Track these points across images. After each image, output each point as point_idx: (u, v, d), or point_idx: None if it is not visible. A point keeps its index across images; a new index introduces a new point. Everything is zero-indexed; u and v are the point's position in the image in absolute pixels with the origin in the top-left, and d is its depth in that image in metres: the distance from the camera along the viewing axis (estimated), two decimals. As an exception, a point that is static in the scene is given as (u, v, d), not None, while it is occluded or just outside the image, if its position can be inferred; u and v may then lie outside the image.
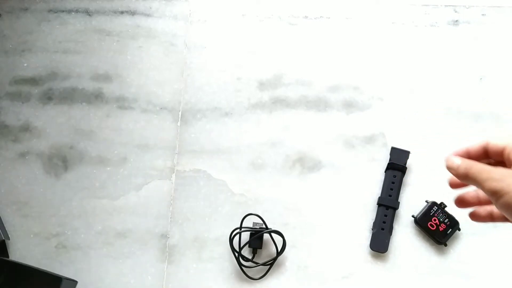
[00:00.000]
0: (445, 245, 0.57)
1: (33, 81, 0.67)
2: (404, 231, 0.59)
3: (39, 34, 0.69)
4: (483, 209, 0.44)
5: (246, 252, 0.60)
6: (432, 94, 0.64)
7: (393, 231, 0.59)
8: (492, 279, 0.57)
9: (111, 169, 0.63)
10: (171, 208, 0.61)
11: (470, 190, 0.46)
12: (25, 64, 0.68)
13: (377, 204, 0.60)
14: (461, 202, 0.46)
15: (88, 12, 0.70)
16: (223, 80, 0.66)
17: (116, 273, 0.59)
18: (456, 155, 0.43)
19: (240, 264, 0.58)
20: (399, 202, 0.59)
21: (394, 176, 0.59)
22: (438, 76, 0.65)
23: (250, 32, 0.68)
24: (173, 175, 0.63)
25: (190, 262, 0.59)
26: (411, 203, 0.60)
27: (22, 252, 0.60)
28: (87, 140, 0.64)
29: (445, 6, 0.68)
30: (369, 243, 0.58)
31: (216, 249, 0.59)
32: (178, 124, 0.65)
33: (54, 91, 0.66)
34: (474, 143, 0.43)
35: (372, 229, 0.59)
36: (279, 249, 0.58)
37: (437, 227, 0.57)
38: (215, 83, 0.66)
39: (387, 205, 0.59)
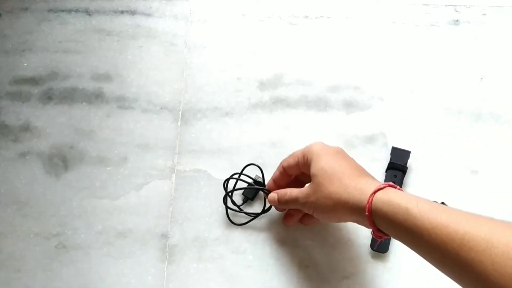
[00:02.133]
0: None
1: (33, 81, 0.67)
2: (404, 231, 0.59)
3: (39, 34, 0.69)
4: (308, 218, 0.57)
5: (238, 198, 0.61)
6: (432, 94, 0.64)
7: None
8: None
9: (111, 169, 0.63)
10: (171, 208, 0.61)
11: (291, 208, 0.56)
12: (25, 64, 0.68)
13: None
14: (288, 220, 0.59)
15: (88, 12, 0.70)
16: (223, 80, 0.66)
17: (116, 273, 0.59)
18: (272, 193, 0.56)
19: (226, 206, 0.59)
20: None
21: (395, 176, 0.59)
22: (438, 76, 0.65)
23: (250, 32, 0.68)
24: (173, 175, 0.63)
25: (190, 262, 0.59)
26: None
27: (22, 252, 0.60)
28: (87, 140, 0.64)
29: (446, 5, 0.68)
30: (369, 243, 0.58)
31: (216, 249, 0.59)
32: (179, 124, 0.65)
33: (54, 91, 0.66)
34: (275, 172, 0.57)
35: None
36: (265, 207, 0.59)
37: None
38: (216, 83, 0.66)
39: None
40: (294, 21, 0.68)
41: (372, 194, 0.44)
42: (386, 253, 0.58)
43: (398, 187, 0.45)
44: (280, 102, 0.65)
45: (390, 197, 0.43)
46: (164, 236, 0.60)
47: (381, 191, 0.44)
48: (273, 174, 0.58)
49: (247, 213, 0.60)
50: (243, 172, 0.60)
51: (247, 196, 0.60)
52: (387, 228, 0.43)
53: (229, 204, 0.60)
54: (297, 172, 0.55)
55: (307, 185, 0.52)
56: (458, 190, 0.60)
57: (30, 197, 0.62)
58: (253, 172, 0.61)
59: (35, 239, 0.61)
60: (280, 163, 0.56)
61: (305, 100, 0.65)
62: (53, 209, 0.62)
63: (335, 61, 0.66)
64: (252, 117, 0.64)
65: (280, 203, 0.55)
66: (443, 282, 0.57)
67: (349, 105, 0.64)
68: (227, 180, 0.60)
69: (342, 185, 0.47)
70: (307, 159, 0.52)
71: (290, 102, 0.65)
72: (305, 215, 0.57)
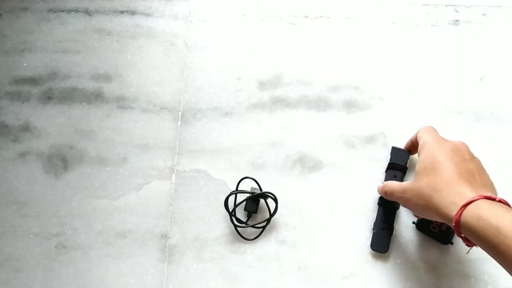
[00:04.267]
0: (452, 243, 0.57)
1: (33, 81, 0.67)
2: (405, 230, 0.59)
3: (39, 34, 0.69)
4: None
5: (241, 216, 0.61)
6: (432, 94, 0.64)
7: (394, 231, 0.59)
8: (495, 276, 0.57)
9: (111, 169, 0.63)
10: (171, 208, 0.61)
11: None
12: (25, 64, 0.68)
13: (378, 204, 0.59)
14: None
15: (88, 12, 0.70)
16: (223, 80, 0.66)
17: (116, 273, 0.59)
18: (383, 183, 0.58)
19: (234, 225, 0.59)
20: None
21: (395, 176, 0.59)
22: (439, 76, 0.65)
23: (250, 32, 0.68)
24: (173, 175, 0.62)
25: (190, 262, 0.59)
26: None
27: (22, 252, 0.60)
28: (87, 140, 0.64)
29: (446, 5, 0.68)
30: (369, 243, 0.58)
31: (216, 249, 0.59)
32: (178, 124, 0.65)
33: (54, 91, 0.66)
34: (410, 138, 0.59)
35: (373, 230, 0.59)
36: (271, 213, 0.59)
37: (439, 228, 0.57)
38: (215, 83, 0.66)
39: (388, 205, 0.59)
40: (294, 21, 0.68)
41: (462, 207, 0.42)
42: (387, 253, 0.58)
43: (498, 198, 0.43)
44: (280, 102, 0.65)
45: (481, 213, 0.41)
46: (164, 236, 0.60)
47: (473, 204, 0.42)
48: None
49: (254, 226, 0.59)
50: (239, 189, 0.60)
51: (250, 211, 0.60)
52: (475, 241, 0.42)
53: (236, 221, 0.59)
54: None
55: (409, 181, 0.53)
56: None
57: (29, 197, 0.62)
58: (248, 184, 0.61)
59: (34, 239, 0.61)
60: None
61: (305, 100, 0.65)
62: (53, 209, 0.62)
63: (335, 61, 0.66)
64: (252, 117, 0.64)
65: (380, 193, 0.58)
66: (444, 282, 0.57)
67: (349, 105, 0.64)
68: (227, 199, 0.59)
69: (437, 190, 0.45)
70: (419, 146, 0.52)
71: (290, 102, 0.65)
72: None
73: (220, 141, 0.64)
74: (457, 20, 0.67)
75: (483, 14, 0.67)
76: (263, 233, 0.59)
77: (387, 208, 0.59)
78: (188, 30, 0.69)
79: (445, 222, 0.45)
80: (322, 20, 0.68)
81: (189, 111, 0.65)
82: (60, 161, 0.64)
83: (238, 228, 0.59)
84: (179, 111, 0.65)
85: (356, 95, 0.65)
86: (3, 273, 0.59)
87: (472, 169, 0.47)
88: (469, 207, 0.42)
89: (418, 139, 0.54)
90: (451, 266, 0.58)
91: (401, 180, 0.60)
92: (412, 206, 0.50)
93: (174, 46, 0.68)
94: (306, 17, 0.68)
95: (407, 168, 0.60)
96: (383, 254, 0.58)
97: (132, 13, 0.69)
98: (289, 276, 0.58)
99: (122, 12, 0.70)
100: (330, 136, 0.63)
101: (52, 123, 0.65)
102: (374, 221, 0.59)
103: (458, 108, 0.63)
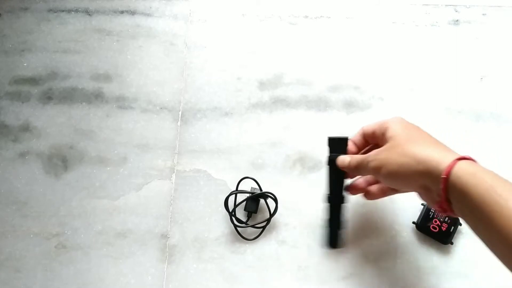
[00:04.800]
0: (452, 243, 0.57)
1: (33, 81, 0.67)
2: (405, 230, 0.59)
3: (39, 34, 0.69)
4: (375, 188, 0.53)
5: (241, 216, 0.61)
6: (432, 94, 0.64)
7: (394, 231, 0.59)
8: (496, 275, 0.57)
9: (111, 169, 0.63)
10: (171, 208, 0.61)
11: (358, 178, 0.55)
12: (25, 64, 0.68)
13: (327, 201, 0.56)
14: (353, 189, 0.55)
15: (88, 12, 0.70)
16: (223, 80, 0.66)
17: (116, 273, 0.59)
18: (343, 156, 0.53)
19: (234, 225, 0.59)
20: (344, 196, 0.56)
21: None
22: (439, 76, 0.65)
23: (250, 32, 0.68)
24: (173, 175, 0.62)
25: (190, 262, 0.59)
26: (407, 206, 0.60)
27: (22, 252, 0.60)
28: (87, 140, 0.64)
29: (446, 5, 0.68)
30: (368, 243, 0.58)
31: (216, 249, 0.59)
32: (178, 124, 0.65)
33: (54, 91, 0.66)
34: (355, 135, 0.54)
35: (326, 227, 0.57)
36: (271, 213, 0.59)
37: (439, 228, 0.57)
38: (215, 83, 0.66)
39: (335, 202, 0.56)
40: (294, 21, 0.68)
41: (455, 160, 0.40)
42: (387, 254, 0.58)
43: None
44: (280, 102, 0.65)
45: (476, 170, 0.39)
46: (164, 236, 0.60)
47: (466, 161, 0.41)
48: (354, 136, 0.55)
49: (254, 226, 0.59)
50: (239, 189, 0.60)
51: (250, 211, 0.60)
52: (459, 199, 0.39)
53: (236, 221, 0.59)
54: (372, 142, 0.53)
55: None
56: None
57: (29, 197, 0.62)
58: (248, 184, 0.61)
59: (34, 239, 0.61)
60: (362, 127, 0.54)
61: (305, 100, 0.65)
62: (53, 209, 0.62)
63: (335, 61, 0.66)
64: (252, 117, 0.64)
65: (350, 165, 0.51)
66: (445, 282, 0.57)
67: (349, 105, 0.64)
68: (227, 199, 0.59)
69: (421, 145, 0.44)
70: (384, 128, 0.48)
71: (290, 102, 0.65)
72: (370, 187, 0.54)
73: (220, 141, 0.64)
74: (457, 20, 0.67)
75: (483, 14, 0.67)
76: (263, 233, 0.59)
77: (335, 205, 0.56)
78: (188, 30, 0.69)
79: (425, 182, 0.42)
80: (322, 20, 0.68)
81: (189, 111, 0.65)
82: (60, 161, 0.64)
83: (238, 228, 0.59)
84: (179, 111, 0.65)
85: (356, 95, 0.65)
86: (3, 273, 0.59)
87: (432, 138, 0.47)
88: (462, 162, 0.40)
89: (381, 124, 0.50)
90: (451, 266, 0.58)
91: (343, 172, 0.55)
92: (388, 166, 0.45)
93: (174, 46, 0.68)
94: (306, 17, 0.68)
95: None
96: (383, 254, 0.58)
97: (132, 13, 0.69)
98: (289, 276, 0.58)
99: (122, 12, 0.70)
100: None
101: (52, 123, 0.65)
102: (326, 219, 0.57)
103: (458, 108, 0.63)
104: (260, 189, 0.60)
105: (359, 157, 0.50)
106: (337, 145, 0.55)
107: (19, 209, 0.62)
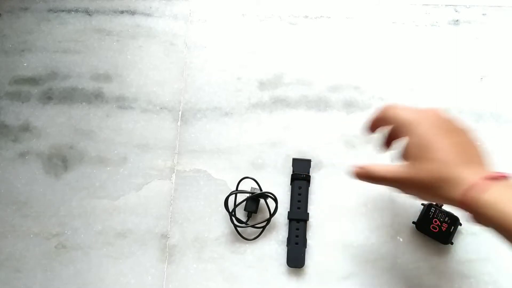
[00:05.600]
0: (452, 243, 0.57)
1: (33, 81, 0.67)
2: (405, 230, 0.59)
3: (39, 34, 0.69)
4: (381, 170, 0.46)
5: (241, 216, 0.61)
6: (432, 94, 0.64)
7: (394, 231, 0.59)
8: (496, 275, 0.57)
9: (111, 169, 0.63)
10: (171, 208, 0.61)
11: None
12: (25, 64, 0.68)
13: (288, 219, 0.59)
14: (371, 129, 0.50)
15: (88, 12, 0.70)
16: (223, 80, 0.66)
17: (116, 273, 0.59)
18: (358, 167, 0.48)
19: (234, 225, 0.59)
20: (308, 213, 0.59)
21: (300, 187, 0.59)
22: (439, 76, 0.65)
23: (250, 32, 0.68)
24: (173, 175, 0.62)
25: (190, 262, 0.59)
26: (407, 206, 0.60)
27: (22, 252, 0.60)
28: (87, 140, 0.64)
29: (446, 5, 0.68)
30: (369, 243, 0.58)
31: (216, 249, 0.59)
32: (178, 124, 0.65)
33: (54, 91, 0.66)
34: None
35: (287, 245, 0.58)
36: (271, 213, 0.59)
37: (439, 228, 0.57)
38: (215, 83, 0.66)
39: (298, 218, 0.58)
40: (294, 21, 0.68)
41: (483, 179, 0.40)
42: (387, 254, 0.58)
43: (497, 174, 0.40)
44: (280, 102, 0.65)
45: (492, 199, 0.39)
46: (164, 236, 0.60)
47: (478, 187, 0.40)
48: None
49: (254, 226, 0.59)
50: (239, 189, 0.60)
51: (250, 211, 0.60)
52: (487, 224, 0.40)
53: (236, 221, 0.59)
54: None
55: (400, 163, 0.45)
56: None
57: (29, 197, 0.62)
58: (248, 184, 0.61)
59: (34, 239, 0.61)
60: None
61: (305, 100, 0.65)
62: (53, 209, 0.62)
63: (335, 61, 0.66)
64: (252, 117, 0.64)
65: (366, 178, 0.47)
66: (445, 282, 0.57)
67: (349, 105, 0.64)
68: (227, 199, 0.59)
69: (438, 178, 0.42)
70: (399, 132, 0.45)
71: (290, 102, 0.65)
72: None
73: (220, 141, 0.64)
74: (457, 20, 0.67)
75: (483, 14, 0.67)
76: (263, 233, 0.59)
77: (298, 222, 0.58)
78: (188, 30, 0.69)
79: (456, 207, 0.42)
80: (322, 20, 0.68)
81: (189, 111, 0.65)
82: (60, 161, 0.64)
83: (238, 228, 0.59)
84: (179, 111, 0.65)
85: (356, 95, 0.65)
86: (3, 273, 0.59)
87: (463, 143, 0.45)
88: (476, 192, 0.39)
89: (390, 120, 0.47)
90: (451, 266, 0.58)
91: (307, 190, 0.59)
92: (412, 194, 0.45)
93: (174, 46, 0.68)
94: (306, 17, 0.68)
95: (310, 176, 0.60)
96: (383, 254, 0.58)
97: (132, 13, 0.69)
98: (289, 276, 0.58)
99: (122, 12, 0.70)
100: (330, 136, 0.63)
101: (52, 123, 0.65)
102: (287, 237, 0.59)
103: (458, 108, 0.63)
104: (260, 189, 0.60)
105: (377, 173, 0.46)
106: (301, 166, 0.60)
107: (19, 209, 0.62)
